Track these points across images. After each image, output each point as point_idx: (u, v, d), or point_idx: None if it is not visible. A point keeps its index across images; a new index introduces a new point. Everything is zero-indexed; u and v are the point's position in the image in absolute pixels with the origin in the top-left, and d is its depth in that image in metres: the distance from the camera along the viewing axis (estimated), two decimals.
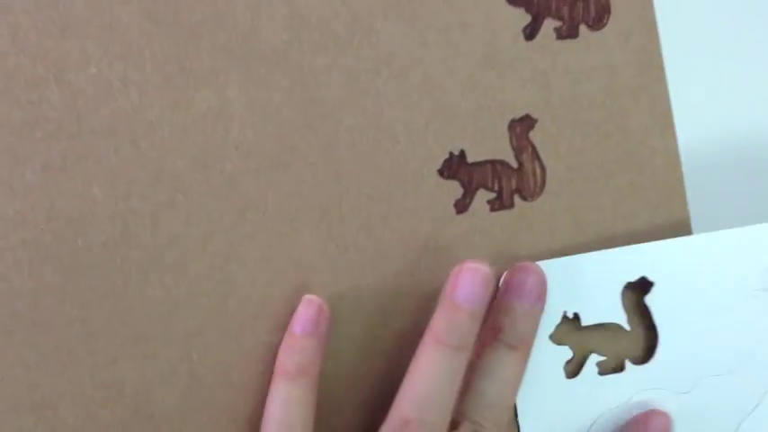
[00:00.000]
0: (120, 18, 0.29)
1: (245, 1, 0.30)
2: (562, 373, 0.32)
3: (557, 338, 0.32)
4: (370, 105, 0.31)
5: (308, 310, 0.29)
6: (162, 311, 0.29)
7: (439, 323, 0.28)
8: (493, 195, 0.32)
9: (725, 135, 0.34)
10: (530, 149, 0.32)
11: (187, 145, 0.29)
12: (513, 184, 0.32)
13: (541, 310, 0.30)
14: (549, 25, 0.32)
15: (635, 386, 0.32)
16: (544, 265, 0.31)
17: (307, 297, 0.30)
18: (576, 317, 0.32)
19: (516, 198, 0.32)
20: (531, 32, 0.32)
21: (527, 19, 0.32)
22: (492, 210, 0.32)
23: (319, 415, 0.29)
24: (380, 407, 0.29)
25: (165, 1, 0.29)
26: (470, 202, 0.32)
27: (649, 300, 0.32)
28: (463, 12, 0.31)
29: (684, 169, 0.33)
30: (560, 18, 0.32)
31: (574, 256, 0.32)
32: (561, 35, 0.32)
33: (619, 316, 0.32)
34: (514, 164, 0.32)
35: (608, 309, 0.32)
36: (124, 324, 0.29)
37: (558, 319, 0.32)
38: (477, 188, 0.32)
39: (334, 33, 0.30)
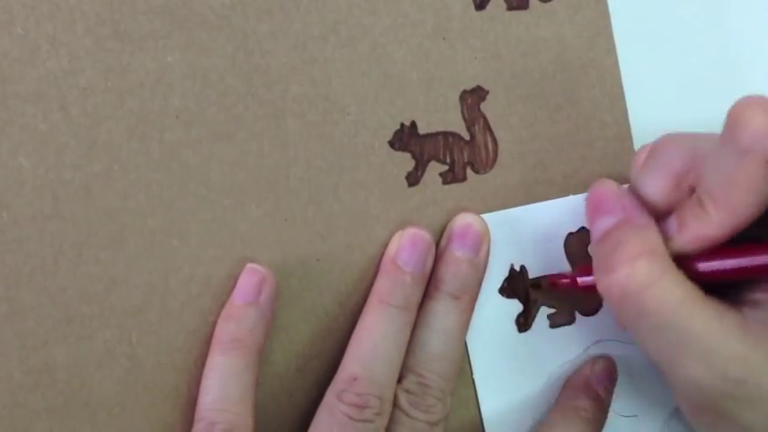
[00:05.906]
0: None
1: None
2: (514, 328, 0.31)
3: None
4: (317, 74, 0.30)
5: (249, 278, 0.28)
6: (97, 290, 0.27)
7: (382, 285, 0.29)
8: (445, 168, 0.31)
9: (675, 108, 0.35)
10: (481, 121, 0.31)
11: (123, 112, 0.28)
12: (465, 156, 0.31)
13: (485, 260, 0.30)
14: None
15: (587, 338, 0.32)
16: (488, 217, 0.31)
17: (249, 265, 0.28)
18: (523, 269, 0.31)
19: (468, 171, 0.31)
20: (481, 2, 0.31)
21: None
22: (444, 183, 0.31)
23: (270, 395, 0.28)
24: None
25: None
26: (422, 175, 0.31)
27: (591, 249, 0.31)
28: None
29: (635, 142, 0.33)
30: None
31: (516, 208, 0.31)
32: (511, 6, 0.32)
33: (564, 266, 0.31)
34: (466, 136, 0.31)
35: (553, 259, 0.31)
36: (56, 303, 0.27)
37: (505, 273, 0.31)
38: (428, 160, 0.31)
39: None
